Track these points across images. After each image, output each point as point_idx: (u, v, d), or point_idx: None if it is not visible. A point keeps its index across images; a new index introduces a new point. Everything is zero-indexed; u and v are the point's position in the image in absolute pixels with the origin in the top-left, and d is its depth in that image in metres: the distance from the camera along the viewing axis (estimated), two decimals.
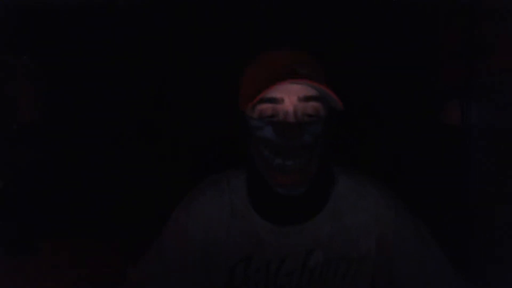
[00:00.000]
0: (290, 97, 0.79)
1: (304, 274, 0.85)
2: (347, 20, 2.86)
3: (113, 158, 3.07)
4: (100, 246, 2.50)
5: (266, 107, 0.81)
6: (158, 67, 3.24)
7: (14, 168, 2.87)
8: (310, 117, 0.81)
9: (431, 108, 2.73)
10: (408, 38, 2.79)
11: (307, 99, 0.80)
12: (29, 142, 3.07)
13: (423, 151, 2.64)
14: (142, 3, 2.93)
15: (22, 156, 2.94)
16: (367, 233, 0.87)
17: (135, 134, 3.22)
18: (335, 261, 0.85)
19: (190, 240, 0.90)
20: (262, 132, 0.81)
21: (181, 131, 3.21)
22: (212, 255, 0.89)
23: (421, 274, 0.84)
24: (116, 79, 3.13)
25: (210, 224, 0.90)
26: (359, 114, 2.83)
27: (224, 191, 0.92)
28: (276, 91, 0.79)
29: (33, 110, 3.18)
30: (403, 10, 2.72)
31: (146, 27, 3.06)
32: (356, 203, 0.89)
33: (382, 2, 2.70)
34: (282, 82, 0.77)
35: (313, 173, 0.83)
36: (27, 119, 3.17)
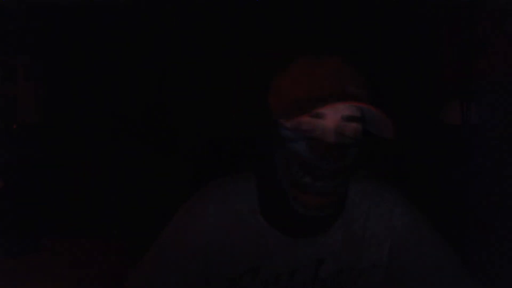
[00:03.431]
0: (335, 114, 0.73)
1: (315, 285, 0.82)
2: (347, 21, 2.86)
3: (114, 158, 3.07)
4: (100, 246, 2.50)
5: (305, 119, 0.73)
6: (160, 68, 3.24)
7: (14, 168, 2.87)
8: (349, 139, 0.74)
9: (431, 108, 2.73)
10: (409, 38, 2.79)
11: (350, 119, 0.74)
12: (29, 142, 3.07)
13: (423, 150, 2.64)
14: (143, 3, 2.92)
15: (22, 156, 2.94)
16: (379, 242, 0.84)
17: (136, 134, 3.22)
18: (346, 270, 0.82)
19: (190, 244, 0.87)
20: (295, 146, 0.74)
21: (184, 133, 3.21)
22: (213, 262, 0.86)
23: (437, 282, 0.80)
24: (117, 79, 3.13)
25: (212, 229, 0.85)
26: None
27: (228, 196, 0.87)
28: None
29: (33, 110, 3.17)
30: (403, 11, 2.72)
31: (147, 28, 3.06)
32: (369, 211, 0.85)
33: (382, 3, 2.70)
34: (332, 104, 0.71)
35: (341, 196, 0.77)
36: (27, 119, 3.16)
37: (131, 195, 2.89)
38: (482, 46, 2.31)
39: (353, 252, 0.83)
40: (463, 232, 2.13)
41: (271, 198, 0.82)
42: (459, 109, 2.48)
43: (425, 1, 2.61)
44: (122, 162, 3.06)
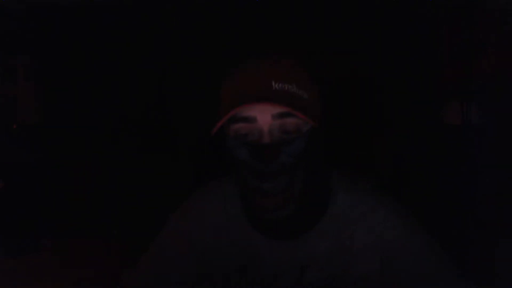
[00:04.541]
0: (264, 115, 0.73)
1: None
2: (347, 21, 2.86)
3: (114, 158, 3.07)
4: (100, 246, 2.50)
5: (240, 126, 0.75)
6: (160, 68, 3.24)
7: (14, 168, 2.87)
8: (288, 135, 0.74)
9: (431, 108, 2.73)
10: (409, 38, 2.80)
11: (282, 116, 0.73)
12: (29, 142, 3.07)
13: (423, 150, 2.64)
14: (143, 3, 2.93)
15: (22, 156, 2.94)
16: (369, 253, 0.81)
17: (136, 134, 3.22)
18: (332, 279, 0.81)
19: (188, 244, 0.89)
20: (238, 153, 0.75)
21: (184, 133, 3.21)
22: (208, 261, 0.88)
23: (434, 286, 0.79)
24: (117, 79, 3.13)
25: (208, 229, 0.88)
26: (359, 115, 2.83)
27: (222, 198, 0.90)
28: (249, 109, 0.73)
29: (33, 110, 3.18)
30: (403, 11, 2.72)
31: (147, 28, 3.06)
32: (358, 221, 0.82)
33: (382, 3, 2.70)
34: (252, 103, 0.71)
35: (297, 194, 0.76)
36: (27, 119, 3.17)
37: (131, 195, 2.89)
38: (482, 46, 2.31)
39: (339, 262, 0.81)
40: (463, 232, 2.13)
41: (246, 201, 0.83)
42: (459, 109, 2.48)
43: (425, 1, 2.61)
44: (122, 162, 3.06)
